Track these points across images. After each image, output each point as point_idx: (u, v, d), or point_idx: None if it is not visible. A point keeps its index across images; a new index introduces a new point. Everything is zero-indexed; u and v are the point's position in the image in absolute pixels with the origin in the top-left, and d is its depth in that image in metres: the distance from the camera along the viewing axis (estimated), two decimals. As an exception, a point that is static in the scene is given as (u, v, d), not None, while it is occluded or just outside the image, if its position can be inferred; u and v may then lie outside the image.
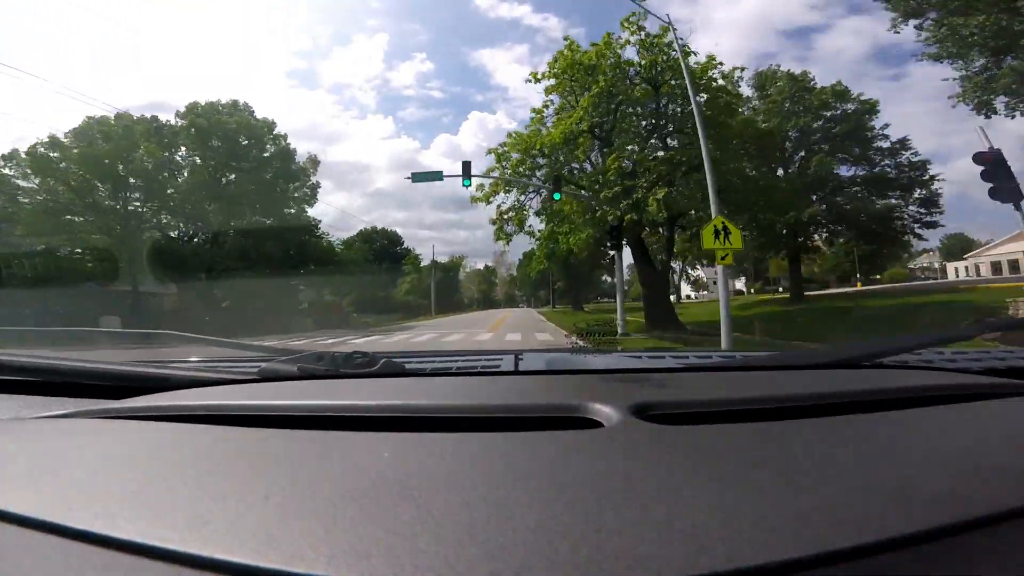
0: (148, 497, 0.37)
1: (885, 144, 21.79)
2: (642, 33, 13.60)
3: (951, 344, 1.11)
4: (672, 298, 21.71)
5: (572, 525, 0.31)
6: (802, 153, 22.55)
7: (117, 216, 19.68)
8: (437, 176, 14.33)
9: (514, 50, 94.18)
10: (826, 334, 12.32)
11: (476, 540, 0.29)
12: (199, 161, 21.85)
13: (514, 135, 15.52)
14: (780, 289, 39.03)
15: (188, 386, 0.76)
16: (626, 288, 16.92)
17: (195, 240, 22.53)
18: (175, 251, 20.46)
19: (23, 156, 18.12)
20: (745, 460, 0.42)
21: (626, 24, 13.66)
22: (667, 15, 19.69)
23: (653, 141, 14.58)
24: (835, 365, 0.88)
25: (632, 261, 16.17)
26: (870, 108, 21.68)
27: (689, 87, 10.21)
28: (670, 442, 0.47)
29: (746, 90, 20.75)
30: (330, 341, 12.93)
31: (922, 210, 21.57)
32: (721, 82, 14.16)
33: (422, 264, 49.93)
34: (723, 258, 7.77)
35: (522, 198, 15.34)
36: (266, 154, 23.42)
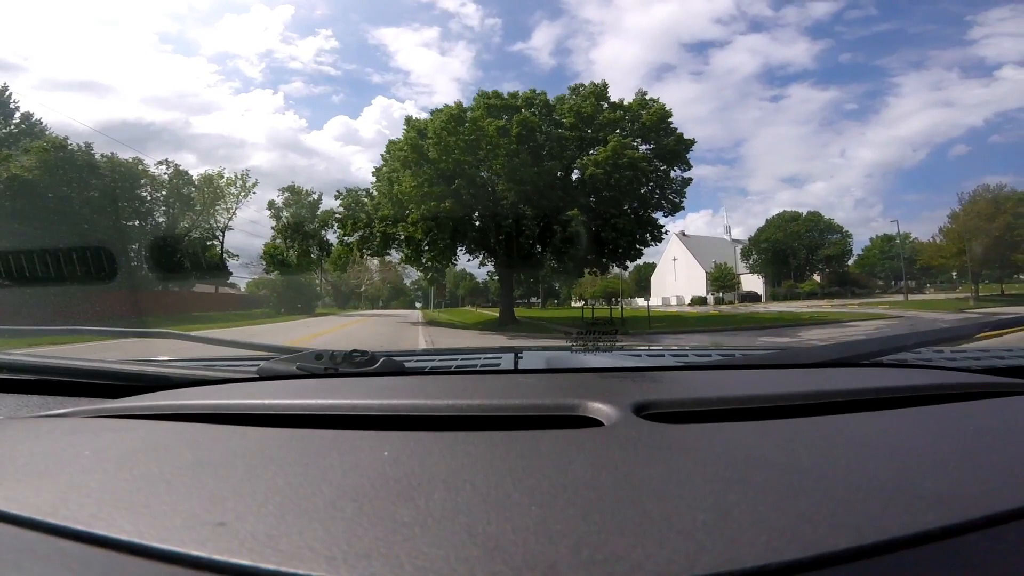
0: (146, 497, 0.37)
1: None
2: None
3: (950, 343, 1.12)
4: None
5: (572, 526, 0.31)
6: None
7: None
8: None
9: (422, 32, 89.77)
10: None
11: (476, 541, 0.29)
12: None
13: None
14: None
15: (187, 385, 0.76)
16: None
17: None
18: None
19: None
20: (745, 459, 0.42)
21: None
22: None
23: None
24: (835, 363, 0.88)
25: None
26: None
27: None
28: (670, 441, 0.47)
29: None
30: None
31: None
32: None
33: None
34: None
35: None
36: None
